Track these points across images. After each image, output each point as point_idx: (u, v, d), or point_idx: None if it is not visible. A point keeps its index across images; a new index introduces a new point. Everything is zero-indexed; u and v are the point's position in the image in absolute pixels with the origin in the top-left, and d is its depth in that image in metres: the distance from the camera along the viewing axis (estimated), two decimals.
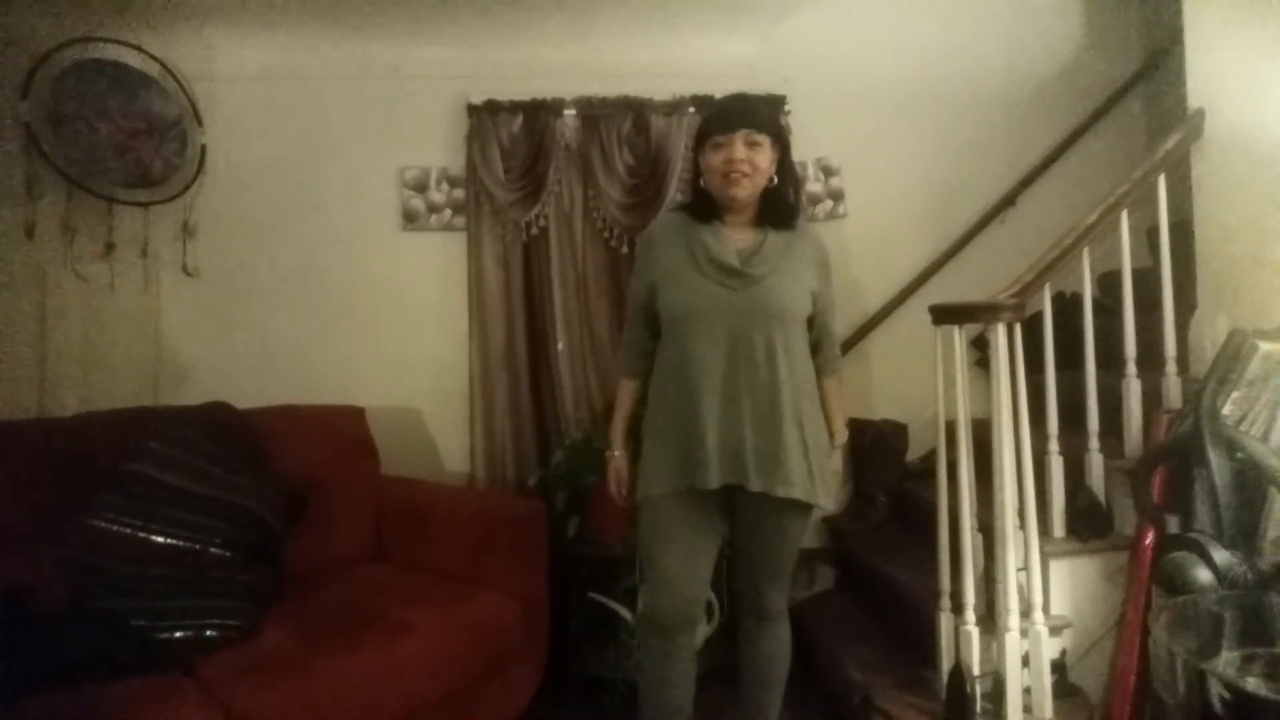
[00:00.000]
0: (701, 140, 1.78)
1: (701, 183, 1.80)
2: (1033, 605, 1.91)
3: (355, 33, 2.89)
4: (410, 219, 2.96)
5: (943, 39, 3.07)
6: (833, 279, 1.89)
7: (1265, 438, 1.73)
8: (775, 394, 1.71)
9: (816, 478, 1.75)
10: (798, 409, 1.73)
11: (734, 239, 1.79)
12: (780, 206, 1.81)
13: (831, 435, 1.88)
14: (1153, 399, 2.09)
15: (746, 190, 1.73)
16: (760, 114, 1.79)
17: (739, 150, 1.70)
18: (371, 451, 2.62)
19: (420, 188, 2.96)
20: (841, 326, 3.00)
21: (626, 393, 1.95)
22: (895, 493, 2.89)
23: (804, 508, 1.77)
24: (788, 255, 1.78)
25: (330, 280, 2.92)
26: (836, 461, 1.90)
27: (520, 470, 2.87)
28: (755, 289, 1.73)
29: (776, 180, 1.78)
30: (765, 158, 1.74)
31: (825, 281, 1.85)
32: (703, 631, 2.41)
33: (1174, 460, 1.84)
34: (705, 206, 1.81)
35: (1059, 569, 2.03)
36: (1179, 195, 2.20)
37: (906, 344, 2.93)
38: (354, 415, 2.64)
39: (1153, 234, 2.23)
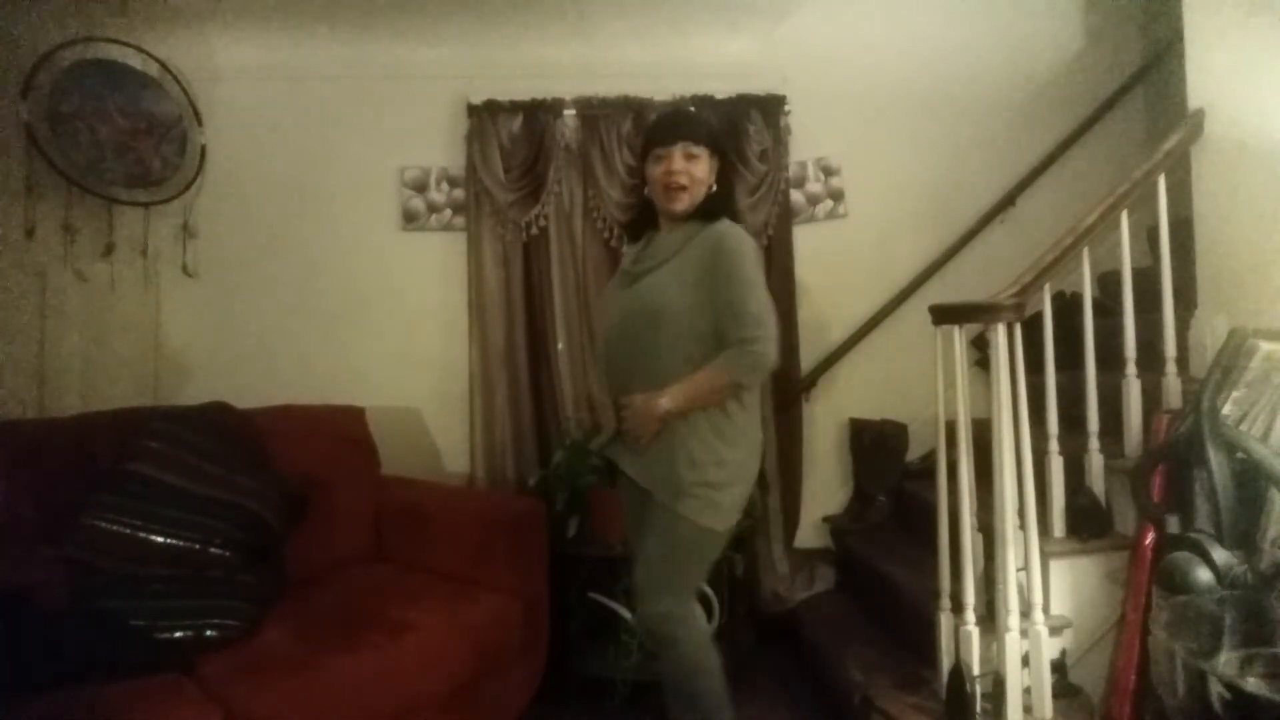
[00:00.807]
0: (645, 152, 1.86)
1: (646, 192, 1.88)
2: (1033, 605, 1.91)
3: (355, 33, 2.90)
4: (410, 219, 2.96)
5: (943, 39, 3.07)
6: (735, 276, 1.71)
7: (1265, 438, 1.73)
8: (633, 391, 1.76)
9: (679, 484, 1.71)
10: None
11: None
12: (706, 209, 1.82)
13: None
14: (1153, 399, 2.09)
15: (685, 204, 1.81)
16: (697, 127, 1.84)
17: (677, 162, 1.78)
18: (371, 451, 2.62)
19: (420, 188, 2.96)
20: (843, 326, 3.03)
21: None
22: (895, 493, 2.89)
23: (674, 515, 1.71)
24: (676, 253, 1.78)
25: (330, 280, 2.93)
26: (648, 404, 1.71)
27: (520, 470, 2.87)
28: (635, 288, 1.81)
29: (715, 188, 1.84)
30: (703, 168, 1.81)
31: (719, 280, 1.71)
32: None
33: (1174, 460, 1.83)
34: (643, 220, 1.92)
35: (1059, 569, 2.02)
36: (1179, 195, 2.20)
37: (906, 344, 2.93)
38: (354, 415, 2.64)
39: (1153, 234, 2.23)
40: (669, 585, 1.78)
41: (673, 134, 1.80)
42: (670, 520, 1.72)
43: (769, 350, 1.69)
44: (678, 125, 1.84)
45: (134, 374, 2.72)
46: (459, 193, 2.96)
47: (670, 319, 1.73)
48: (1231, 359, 1.80)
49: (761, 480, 2.80)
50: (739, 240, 1.75)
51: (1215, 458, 1.71)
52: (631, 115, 2.90)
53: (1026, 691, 1.88)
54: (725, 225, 1.79)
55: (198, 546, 1.99)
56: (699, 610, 1.83)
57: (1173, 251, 2.13)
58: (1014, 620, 1.87)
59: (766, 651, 2.69)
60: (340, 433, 2.57)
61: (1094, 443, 2.11)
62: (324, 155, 2.93)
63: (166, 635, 1.77)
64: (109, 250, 2.67)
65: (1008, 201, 3.08)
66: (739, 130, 2.89)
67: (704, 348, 1.72)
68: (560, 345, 2.89)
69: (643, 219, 1.93)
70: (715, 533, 1.73)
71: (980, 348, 2.50)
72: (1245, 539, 1.68)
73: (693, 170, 1.79)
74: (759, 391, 1.85)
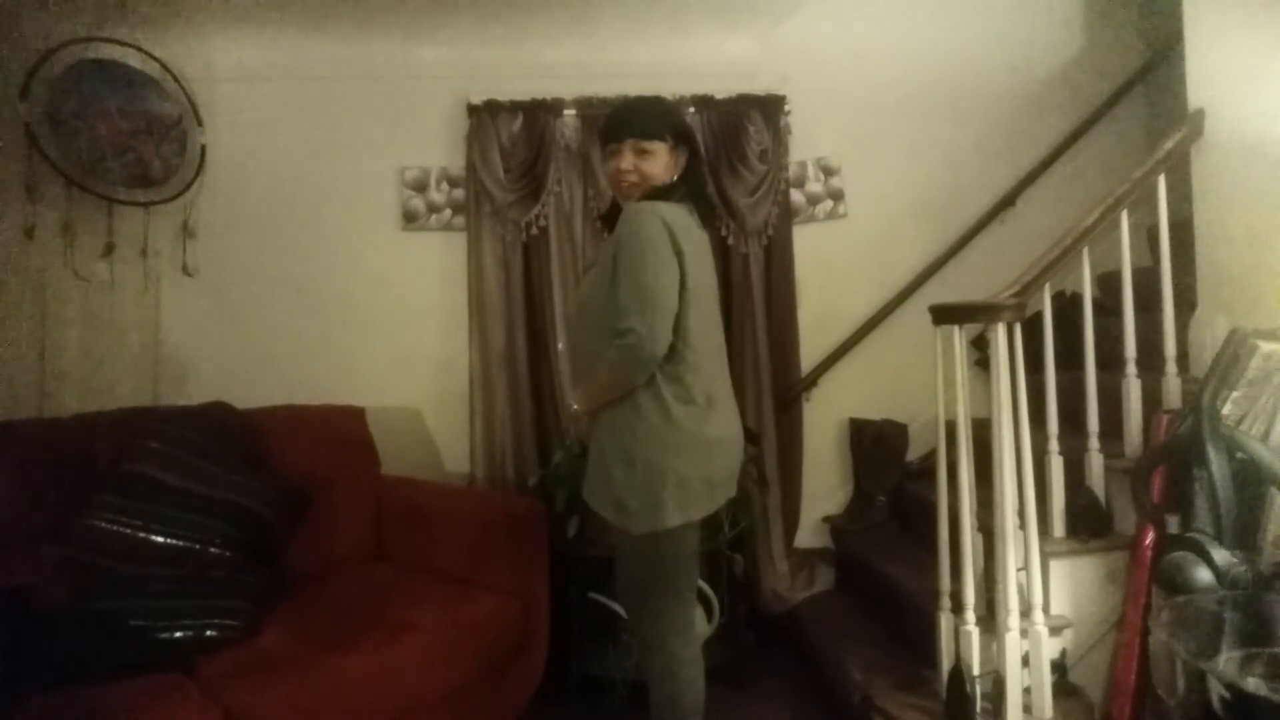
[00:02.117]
0: (602, 145, 1.80)
1: None
2: (1033, 605, 1.91)
3: (355, 33, 2.89)
4: (410, 219, 2.96)
5: (943, 39, 3.07)
6: (620, 265, 1.62)
7: (1265, 438, 1.73)
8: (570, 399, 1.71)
9: (594, 486, 1.69)
10: (594, 416, 1.71)
11: None
12: (648, 197, 1.72)
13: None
14: (1153, 399, 2.09)
15: (635, 197, 1.73)
16: (651, 120, 1.74)
17: (626, 160, 1.72)
18: (371, 451, 2.62)
19: (420, 188, 2.96)
20: (843, 326, 3.03)
21: None
22: (895, 493, 2.89)
23: (619, 527, 1.68)
24: (606, 247, 1.73)
25: (330, 280, 2.93)
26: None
27: (520, 470, 2.87)
28: (580, 284, 1.74)
29: (675, 178, 1.75)
30: (658, 164, 1.73)
31: (619, 266, 1.62)
32: (703, 631, 2.42)
33: (1174, 460, 1.83)
34: (614, 213, 1.81)
35: (1059, 569, 2.03)
36: (1179, 195, 2.20)
37: (906, 344, 2.94)
38: (354, 415, 2.64)
39: (1153, 234, 2.23)
40: (634, 599, 1.78)
41: (622, 130, 1.73)
42: (621, 536, 1.70)
43: (637, 342, 1.56)
44: (628, 121, 1.75)
45: (134, 374, 2.72)
46: (459, 193, 2.96)
47: (591, 315, 1.71)
48: (1231, 359, 1.80)
49: (761, 480, 2.80)
50: (629, 223, 1.64)
51: (1215, 458, 1.71)
52: None
53: (1026, 691, 1.88)
54: (629, 210, 1.67)
55: (198, 546, 1.99)
56: (675, 628, 1.75)
57: (1173, 251, 2.13)
58: (1014, 620, 1.87)
59: (766, 651, 2.69)
60: (340, 433, 2.57)
61: (1094, 443, 2.11)
62: (324, 155, 2.93)
63: (166, 635, 1.77)
64: (109, 250, 2.66)
65: (1008, 201, 3.08)
66: (739, 130, 2.89)
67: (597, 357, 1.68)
68: (560, 345, 2.89)
69: (614, 212, 1.83)
70: (631, 537, 1.65)
71: (980, 348, 2.50)
72: (1245, 539, 1.68)
73: (644, 166, 1.71)
74: (696, 384, 1.66)
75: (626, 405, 1.64)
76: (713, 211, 1.82)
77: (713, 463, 1.68)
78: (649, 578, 1.71)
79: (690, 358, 1.65)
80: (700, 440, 1.65)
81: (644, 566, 1.71)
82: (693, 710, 1.73)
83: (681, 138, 1.76)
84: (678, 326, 1.62)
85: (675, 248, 1.62)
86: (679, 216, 1.68)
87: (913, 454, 2.95)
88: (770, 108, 2.93)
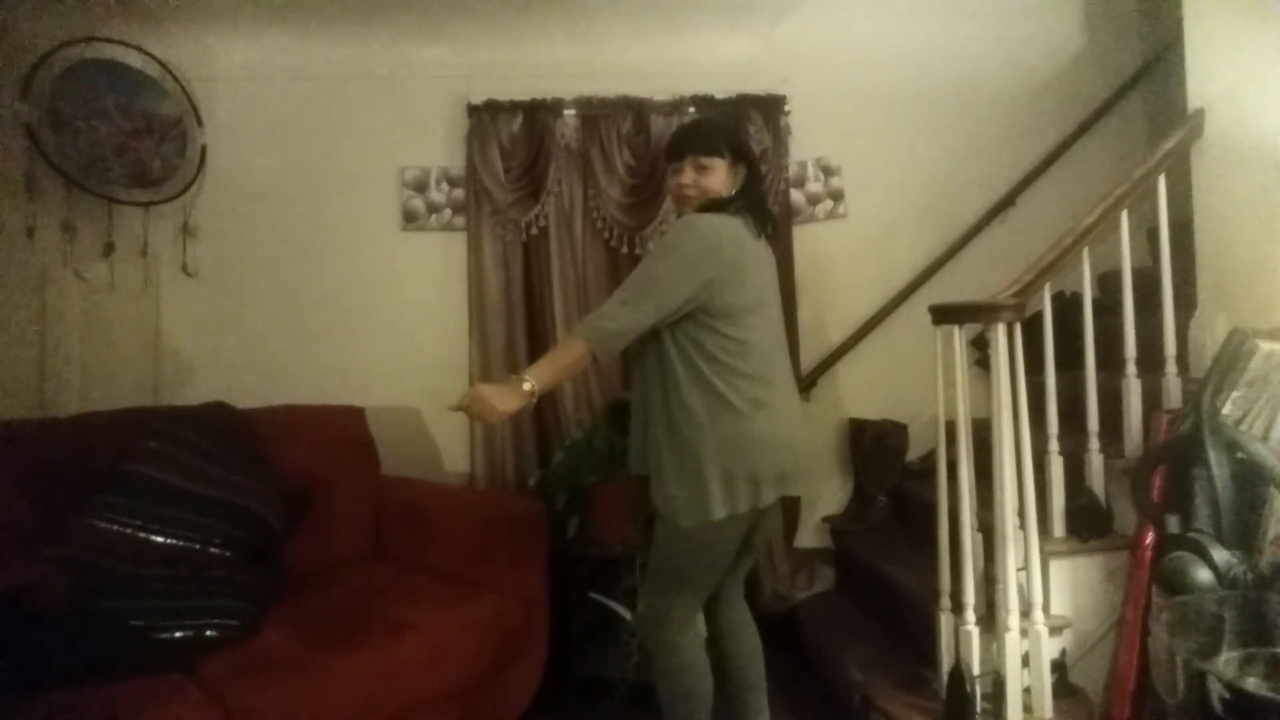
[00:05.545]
0: (667, 165, 1.89)
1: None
2: (1033, 605, 1.91)
3: (355, 33, 2.90)
4: (410, 219, 2.96)
5: (943, 39, 3.07)
6: (648, 259, 1.75)
7: (1265, 438, 1.73)
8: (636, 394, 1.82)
9: (655, 478, 1.75)
10: (645, 407, 1.78)
11: None
12: (702, 209, 1.78)
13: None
14: (1153, 399, 2.09)
15: (690, 209, 1.81)
16: (709, 138, 1.83)
17: (687, 176, 1.81)
18: (371, 451, 2.62)
19: (420, 188, 2.96)
20: (843, 326, 3.03)
21: None
22: (895, 493, 2.89)
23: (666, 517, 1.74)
24: None
25: (330, 280, 2.93)
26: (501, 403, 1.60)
27: (520, 470, 2.87)
28: None
29: (733, 192, 1.81)
30: (716, 179, 1.80)
31: (643, 258, 1.75)
32: (703, 632, 2.42)
33: (1174, 460, 1.83)
34: None
35: (1059, 569, 2.03)
36: (1179, 195, 2.20)
37: (906, 344, 2.93)
38: (354, 415, 2.64)
39: (1153, 234, 2.23)
40: (645, 583, 1.87)
41: (682, 149, 1.83)
42: (662, 519, 1.76)
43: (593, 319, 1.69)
44: (689, 139, 1.85)
45: (134, 374, 2.72)
46: (459, 193, 2.96)
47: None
48: (1231, 359, 1.80)
49: None
50: (672, 232, 1.74)
51: (1215, 458, 1.71)
52: (631, 115, 2.90)
53: (1026, 691, 1.89)
54: (677, 222, 1.79)
55: (198, 546, 1.99)
56: (681, 620, 1.80)
57: (1173, 251, 2.13)
58: (1014, 620, 1.87)
59: (766, 651, 2.67)
60: (340, 433, 2.57)
61: (1094, 443, 2.11)
62: (324, 155, 2.93)
63: (166, 635, 1.77)
64: (109, 250, 2.67)
65: (1008, 201, 3.08)
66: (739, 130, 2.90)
67: (644, 350, 1.78)
68: None
69: None
70: (678, 528, 1.70)
71: (980, 348, 2.50)
72: (1245, 539, 1.68)
73: (703, 182, 1.79)
74: (743, 387, 1.70)
75: (675, 403, 1.71)
76: (773, 224, 1.91)
77: (759, 461, 1.71)
78: (669, 570, 1.79)
79: (740, 363, 1.70)
80: (743, 439, 1.70)
81: (669, 557, 1.77)
82: (707, 704, 1.82)
83: (740, 155, 1.84)
84: (728, 331, 1.69)
85: (721, 255, 1.67)
86: (732, 227, 1.74)
87: (913, 454, 2.94)
88: (770, 108, 2.93)
